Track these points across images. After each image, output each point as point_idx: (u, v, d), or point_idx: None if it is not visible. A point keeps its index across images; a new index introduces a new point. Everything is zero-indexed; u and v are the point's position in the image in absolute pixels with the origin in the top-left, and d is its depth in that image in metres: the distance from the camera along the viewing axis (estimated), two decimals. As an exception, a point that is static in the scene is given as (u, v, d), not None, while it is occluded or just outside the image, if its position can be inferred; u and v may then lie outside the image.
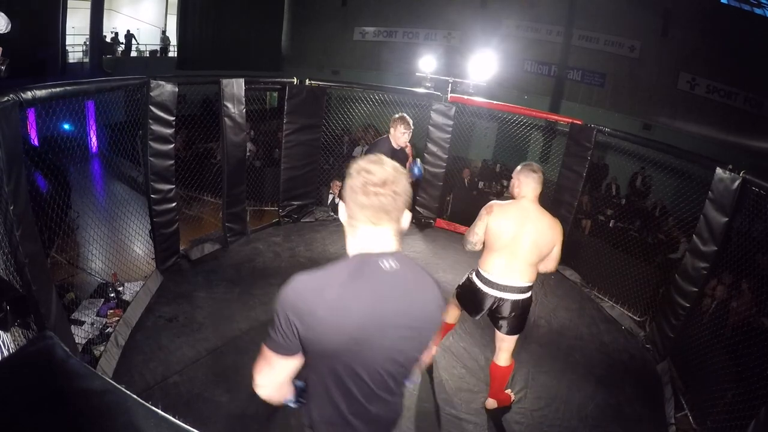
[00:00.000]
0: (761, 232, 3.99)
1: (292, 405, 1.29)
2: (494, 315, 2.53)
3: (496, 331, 2.56)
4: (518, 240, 2.34)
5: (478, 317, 2.60)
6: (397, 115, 3.35)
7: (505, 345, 2.58)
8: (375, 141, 3.48)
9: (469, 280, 2.59)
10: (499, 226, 2.37)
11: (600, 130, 4.32)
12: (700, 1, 8.66)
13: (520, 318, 2.50)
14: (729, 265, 3.75)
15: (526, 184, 2.38)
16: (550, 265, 2.46)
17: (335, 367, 1.11)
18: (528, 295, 2.46)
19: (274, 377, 1.13)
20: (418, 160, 3.69)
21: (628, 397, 3.09)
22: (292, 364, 1.11)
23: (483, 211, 2.46)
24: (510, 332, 2.52)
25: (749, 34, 8.00)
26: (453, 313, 2.85)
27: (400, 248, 1.17)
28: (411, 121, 3.35)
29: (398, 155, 3.43)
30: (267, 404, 2.26)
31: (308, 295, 1.05)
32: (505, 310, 2.47)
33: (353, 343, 1.06)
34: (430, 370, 3.02)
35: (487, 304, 2.49)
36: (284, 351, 1.08)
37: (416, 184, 3.78)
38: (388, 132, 3.51)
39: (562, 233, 2.40)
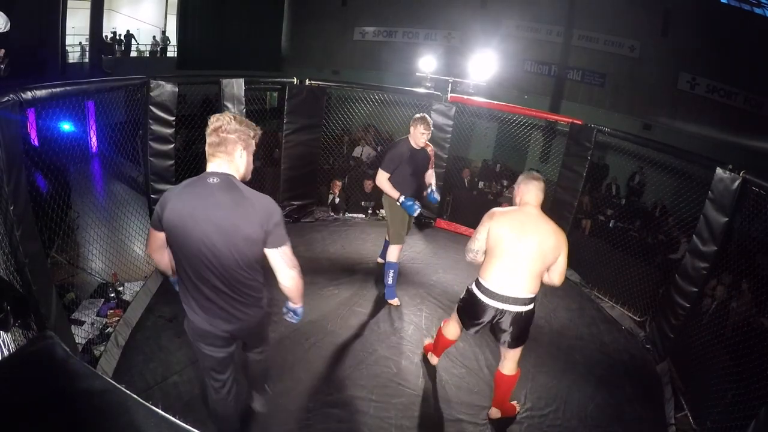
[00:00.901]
0: (761, 232, 3.99)
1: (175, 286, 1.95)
2: (495, 328, 2.43)
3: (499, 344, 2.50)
4: (522, 247, 2.24)
5: (474, 331, 2.50)
6: (417, 115, 3.34)
7: (510, 355, 2.50)
8: (395, 141, 3.47)
9: (469, 292, 2.47)
10: (501, 233, 2.28)
11: (600, 130, 4.32)
12: (700, 1, 8.66)
13: (521, 330, 2.39)
14: (729, 265, 3.75)
15: (528, 191, 2.33)
16: (555, 277, 2.32)
17: (175, 244, 1.69)
18: (530, 307, 2.34)
19: (151, 242, 1.82)
20: (434, 189, 3.60)
21: (628, 397, 3.09)
22: (159, 236, 1.74)
23: (485, 217, 2.37)
24: (512, 345, 2.43)
25: (749, 34, 8.00)
26: (453, 330, 2.76)
27: (238, 175, 1.72)
28: (431, 122, 3.36)
29: (418, 155, 3.41)
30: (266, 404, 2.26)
31: (166, 194, 1.71)
32: (506, 323, 2.35)
33: (178, 224, 1.64)
34: (430, 370, 3.03)
35: (488, 316, 2.38)
36: (155, 227, 1.74)
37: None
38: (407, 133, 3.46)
39: (566, 242, 2.30)
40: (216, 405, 2.01)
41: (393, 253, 3.58)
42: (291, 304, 1.90)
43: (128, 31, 12.50)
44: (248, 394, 2.36)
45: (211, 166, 1.69)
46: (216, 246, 1.63)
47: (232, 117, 1.70)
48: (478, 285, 2.39)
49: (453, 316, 2.71)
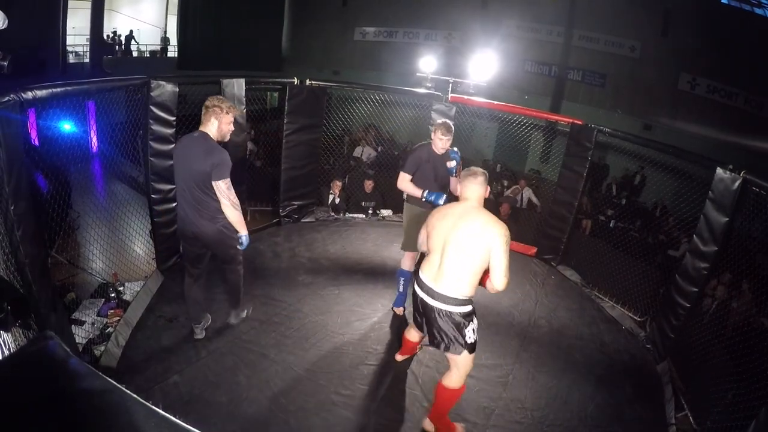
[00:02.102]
0: (761, 232, 3.99)
1: None
2: (427, 327, 2.35)
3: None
4: (447, 242, 2.22)
5: (419, 326, 2.45)
6: (439, 121, 3.32)
7: (452, 363, 2.38)
8: (418, 145, 3.43)
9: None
10: (432, 224, 2.32)
11: (600, 130, 4.32)
12: (700, 1, 8.65)
13: (448, 332, 2.26)
14: (729, 265, 3.75)
15: (465, 187, 2.30)
16: (492, 279, 2.16)
17: (175, 172, 2.68)
18: (457, 309, 2.23)
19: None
20: (455, 147, 3.35)
21: (628, 397, 3.09)
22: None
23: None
24: (445, 348, 2.29)
25: (749, 34, 7.99)
26: (411, 332, 2.78)
27: (212, 135, 2.60)
28: (452, 128, 3.29)
29: (440, 161, 3.33)
30: (265, 403, 2.27)
31: (177, 142, 2.85)
32: (430, 317, 2.29)
33: (173, 159, 2.68)
34: (430, 370, 3.02)
35: (420, 308, 2.35)
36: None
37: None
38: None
39: (505, 242, 2.11)
40: (188, 290, 2.90)
41: (405, 261, 3.49)
42: (237, 232, 2.74)
43: (130, 31, 12.51)
44: (227, 310, 3.17)
45: (199, 127, 2.61)
46: (186, 175, 2.57)
47: (214, 97, 2.64)
48: (416, 275, 2.40)
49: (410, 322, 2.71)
